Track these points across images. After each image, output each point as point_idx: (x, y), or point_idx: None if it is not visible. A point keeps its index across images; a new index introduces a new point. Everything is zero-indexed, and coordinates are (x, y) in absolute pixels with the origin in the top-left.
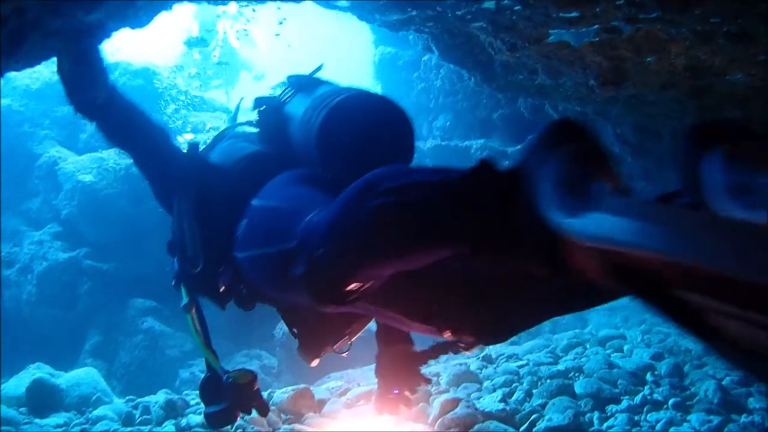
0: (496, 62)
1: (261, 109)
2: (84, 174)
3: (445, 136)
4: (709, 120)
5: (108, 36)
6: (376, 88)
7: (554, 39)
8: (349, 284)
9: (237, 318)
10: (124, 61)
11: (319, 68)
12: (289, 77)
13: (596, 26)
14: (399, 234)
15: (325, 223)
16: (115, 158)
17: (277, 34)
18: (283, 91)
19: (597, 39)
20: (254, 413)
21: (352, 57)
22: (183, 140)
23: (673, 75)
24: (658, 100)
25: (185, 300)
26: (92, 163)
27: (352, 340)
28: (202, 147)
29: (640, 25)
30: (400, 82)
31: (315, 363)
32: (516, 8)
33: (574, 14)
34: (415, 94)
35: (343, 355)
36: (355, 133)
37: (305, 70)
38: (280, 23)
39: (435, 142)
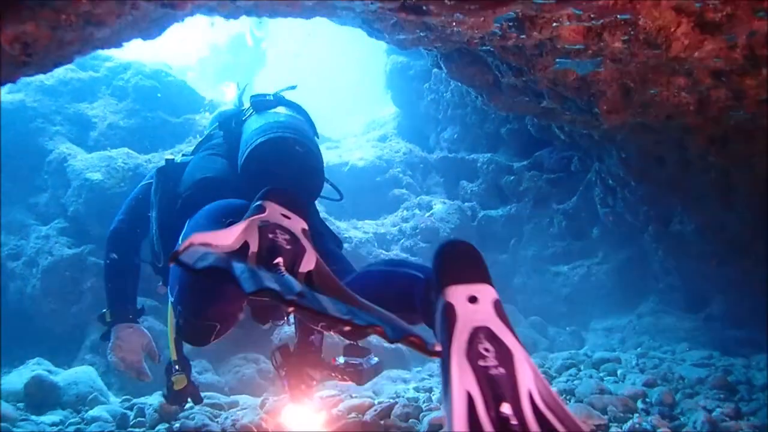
0: (503, 84)
1: (219, 124)
2: (92, 172)
3: (452, 148)
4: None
5: (119, 46)
6: (386, 96)
7: (560, 67)
8: (209, 330)
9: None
10: (137, 60)
11: (290, 88)
12: (252, 97)
13: (600, 58)
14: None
15: (180, 283)
16: (123, 158)
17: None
18: (246, 109)
19: (602, 69)
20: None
21: (365, 63)
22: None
23: (678, 107)
24: (664, 129)
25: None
26: (101, 161)
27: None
28: (191, 149)
29: (646, 59)
30: (410, 92)
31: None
32: (521, 36)
33: (579, 47)
34: (425, 105)
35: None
36: (267, 171)
37: (313, 76)
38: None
39: (442, 154)
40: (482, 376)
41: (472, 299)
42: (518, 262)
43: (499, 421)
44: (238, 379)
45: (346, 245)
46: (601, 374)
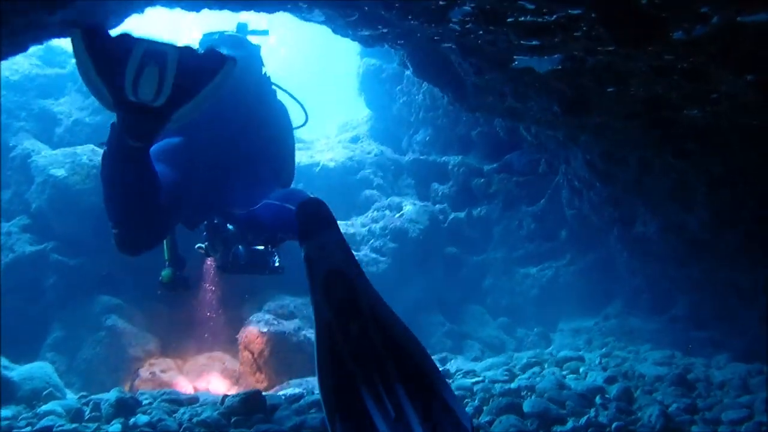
0: (468, 83)
1: None
2: (56, 168)
3: (424, 150)
4: None
5: None
6: (356, 96)
7: (519, 65)
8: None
9: (201, 321)
10: None
11: (262, 33)
12: (203, 36)
13: (558, 55)
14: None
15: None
16: (89, 154)
17: None
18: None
19: (560, 67)
20: None
21: (340, 66)
22: None
23: (635, 105)
24: (624, 128)
25: None
26: (65, 158)
27: None
28: None
29: (601, 57)
30: (383, 95)
31: None
32: (479, 32)
33: (534, 42)
34: (397, 108)
35: None
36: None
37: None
38: None
39: (414, 156)
40: (336, 306)
41: (321, 247)
42: (488, 263)
43: (350, 339)
44: (202, 377)
45: None
46: (564, 372)
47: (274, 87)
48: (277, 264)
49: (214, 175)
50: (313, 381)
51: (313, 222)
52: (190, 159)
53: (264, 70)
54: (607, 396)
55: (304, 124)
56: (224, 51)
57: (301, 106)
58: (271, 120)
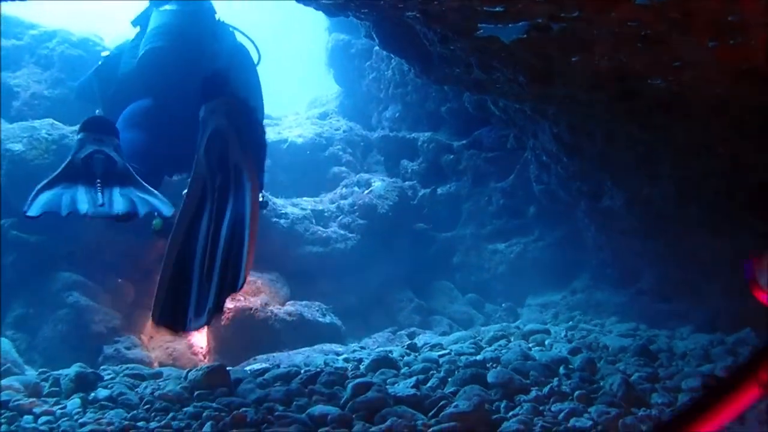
0: (434, 55)
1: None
2: (13, 143)
3: (393, 127)
4: None
5: None
6: (327, 75)
7: (484, 33)
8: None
9: None
10: (64, 29)
11: None
12: None
13: (522, 23)
14: None
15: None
16: (48, 128)
17: None
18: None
19: (526, 36)
20: None
21: (309, 39)
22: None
23: (599, 76)
24: (590, 101)
25: None
26: (23, 132)
27: None
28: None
29: (564, 24)
30: (352, 71)
31: None
32: None
33: (498, 9)
34: (366, 84)
35: None
36: (148, 75)
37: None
38: None
39: (383, 133)
40: (210, 161)
41: (212, 110)
42: (457, 240)
43: (213, 188)
44: (168, 354)
45: (282, 221)
46: (530, 344)
47: (231, 30)
48: (261, 199)
49: (184, 129)
50: (279, 356)
51: (210, 88)
52: (158, 118)
53: (217, 16)
54: (570, 366)
55: (257, 64)
56: (171, 6)
57: (255, 45)
58: (234, 64)
